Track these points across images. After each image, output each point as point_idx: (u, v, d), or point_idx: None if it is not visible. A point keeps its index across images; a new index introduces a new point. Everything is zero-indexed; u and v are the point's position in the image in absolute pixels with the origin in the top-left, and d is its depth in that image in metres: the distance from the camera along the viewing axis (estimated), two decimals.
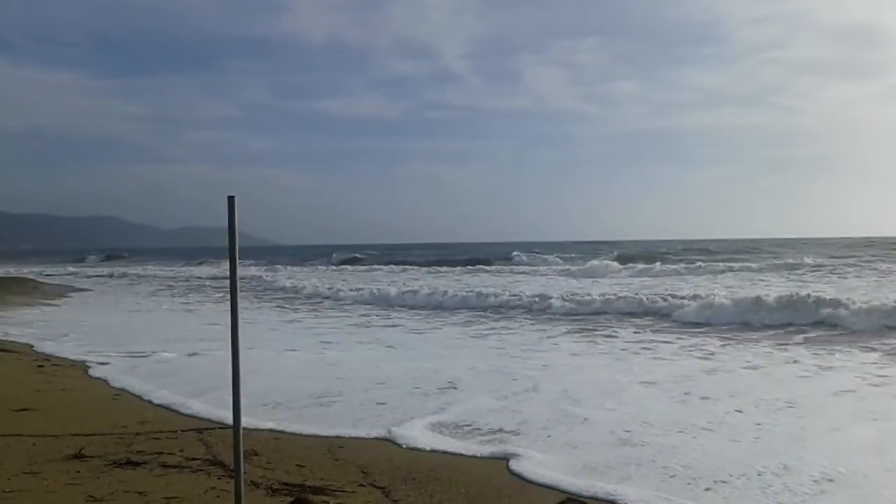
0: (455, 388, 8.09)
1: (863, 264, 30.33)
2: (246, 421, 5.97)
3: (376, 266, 46.40)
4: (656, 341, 12.03)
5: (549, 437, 5.99)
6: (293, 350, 11.38)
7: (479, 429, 6.24)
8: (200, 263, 58.85)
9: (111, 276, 43.61)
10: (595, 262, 36.18)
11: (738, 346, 11.25)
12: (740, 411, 6.82)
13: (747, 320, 13.86)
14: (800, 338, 12.00)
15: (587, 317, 16.01)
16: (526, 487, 4.77)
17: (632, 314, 15.93)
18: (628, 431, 6.07)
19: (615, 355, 10.69)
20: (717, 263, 33.50)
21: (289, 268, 46.06)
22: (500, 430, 6.17)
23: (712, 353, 10.58)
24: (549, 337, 12.94)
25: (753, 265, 31.82)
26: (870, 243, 60.05)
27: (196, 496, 4.24)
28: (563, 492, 4.63)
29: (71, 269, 54.70)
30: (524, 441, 5.83)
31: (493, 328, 14.61)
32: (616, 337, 12.68)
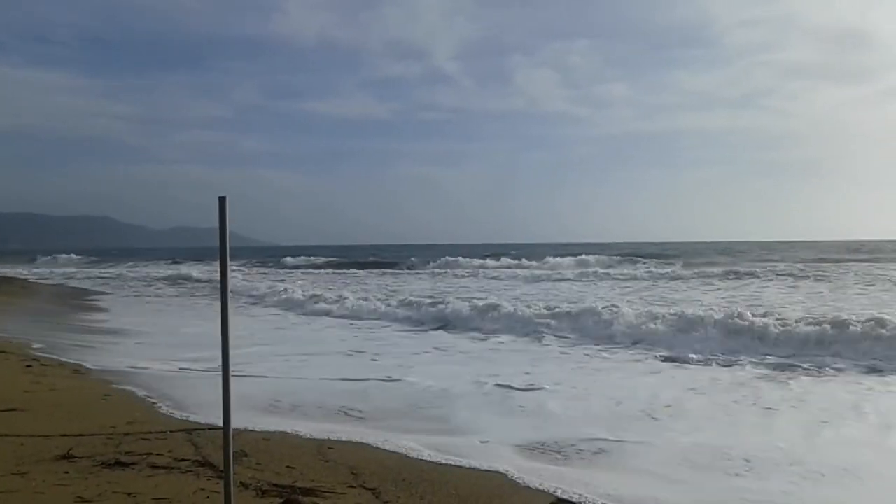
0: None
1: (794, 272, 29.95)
2: (235, 422, 5.93)
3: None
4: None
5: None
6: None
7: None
8: (175, 262, 58.89)
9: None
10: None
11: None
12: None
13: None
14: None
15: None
16: (517, 489, 4.78)
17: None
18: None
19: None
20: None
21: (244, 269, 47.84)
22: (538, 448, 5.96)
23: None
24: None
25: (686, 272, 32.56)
26: (859, 246, 60.50)
27: (185, 497, 4.23)
28: (552, 494, 4.65)
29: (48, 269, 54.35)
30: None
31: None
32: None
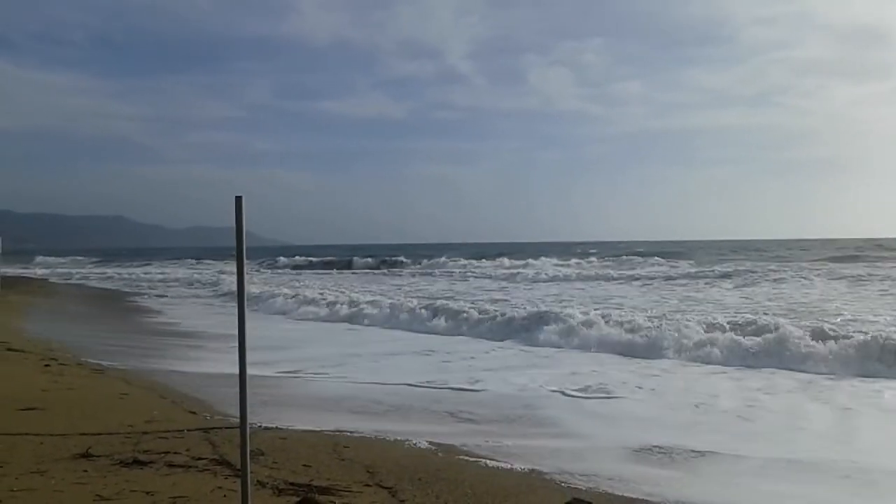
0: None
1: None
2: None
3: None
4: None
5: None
6: None
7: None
8: (173, 263, 59.45)
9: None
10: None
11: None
12: None
13: None
14: None
15: None
16: (533, 487, 4.77)
17: None
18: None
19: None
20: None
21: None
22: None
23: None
24: None
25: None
26: (878, 244, 59.88)
27: (203, 496, 4.25)
28: (568, 493, 4.63)
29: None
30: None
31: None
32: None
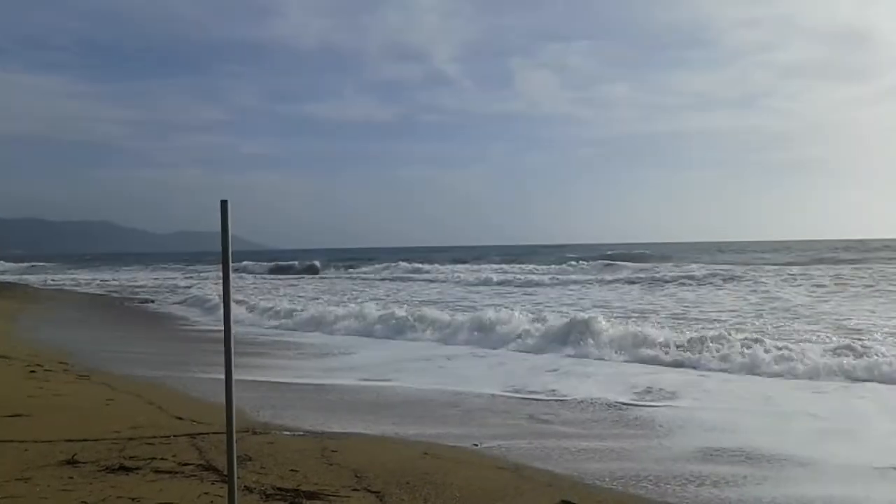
0: None
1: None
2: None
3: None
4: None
5: None
6: None
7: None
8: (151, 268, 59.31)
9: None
10: None
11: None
12: None
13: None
14: None
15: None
16: (521, 489, 4.78)
17: None
18: None
19: None
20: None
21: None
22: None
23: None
24: None
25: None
26: (845, 246, 60.41)
27: (189, 501, 4.23)
28: (557, 490, 4.65)
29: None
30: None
31: None
32: None
